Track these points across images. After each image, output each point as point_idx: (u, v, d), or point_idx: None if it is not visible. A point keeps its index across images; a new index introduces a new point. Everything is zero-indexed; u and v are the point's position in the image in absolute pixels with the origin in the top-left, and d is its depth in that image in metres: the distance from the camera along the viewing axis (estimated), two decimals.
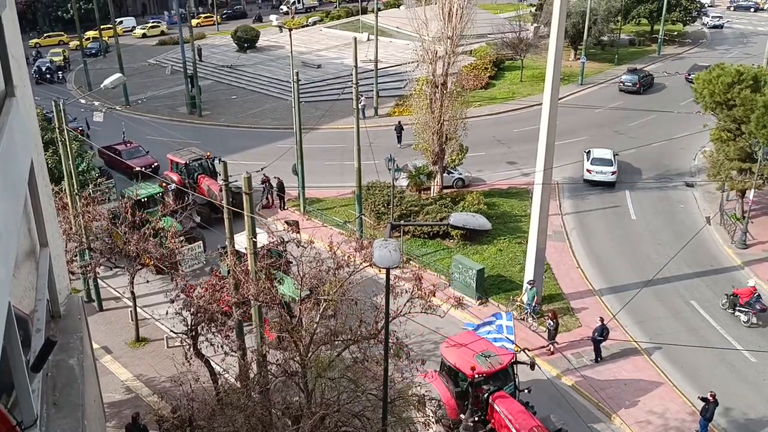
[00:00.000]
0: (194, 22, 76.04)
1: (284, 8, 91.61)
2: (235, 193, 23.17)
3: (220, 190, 25.53)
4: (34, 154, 7.06)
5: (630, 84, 52.42)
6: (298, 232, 18.50)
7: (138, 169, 31.77)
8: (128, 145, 39.50)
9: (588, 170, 36.51)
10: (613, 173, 36.16)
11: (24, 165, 6.32)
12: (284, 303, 16.76)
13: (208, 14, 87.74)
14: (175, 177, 34.17)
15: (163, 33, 79.83)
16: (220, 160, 27.82)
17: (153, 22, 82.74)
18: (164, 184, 32.57)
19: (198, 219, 31.37)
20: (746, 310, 25.00)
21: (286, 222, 23.45)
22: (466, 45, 34.46)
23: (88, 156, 33.02)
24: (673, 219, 33.09)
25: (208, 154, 35.18)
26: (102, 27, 64.09)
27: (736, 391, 21.95)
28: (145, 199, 29.98)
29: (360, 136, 28.98)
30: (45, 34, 77.67)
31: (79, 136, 35.98)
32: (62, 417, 6.20)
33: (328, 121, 44.88)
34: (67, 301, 8.10)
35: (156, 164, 37.92)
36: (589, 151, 37.72)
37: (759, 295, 25.11)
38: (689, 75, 51.01)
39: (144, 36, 79.32)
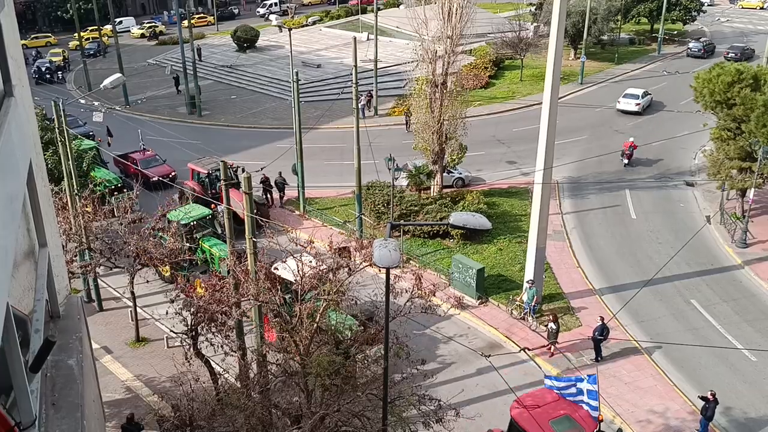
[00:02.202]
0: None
1: (261, 11, 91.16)
2: (259, 204, 22.74)
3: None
4: (32, 154, 7.05)
5: (696, 50, 62.11)
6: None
7: (155, 178, 30.96)
8: (144, 153, 38.12)
9: (618, 101, 47.68)
10: (637, 104, 46.92)
11: (23, 165, 6.31)
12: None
13: (202, 15, 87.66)
14: (196, 187, 32.91)
15: (161, 33, 79.84)
16: (244, 170, 27.15)
17: (149, 23, 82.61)
18: (213, 206, 30.17)
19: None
20: (625, 155, 37.97)
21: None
22: (465, 44, 34.41)
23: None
24: (674, 218, 33.06)
25: (231, 163, 34.14)
26: (97, 27, 63.81)
27: (736, 390, 21.96)
28: (194, 222, 28.19)
29: (360, 135, 28.98)
30: (32, 35, 76.48)
31: (98, 144, 35.70)
32: (61, 417, 6.20)
33: (328, 121, 44.87)
34: (66, 301, 8.10)
35: (174, 173, 36.72)
36: (626, 90, 48.74)
37: (633, 146, 38.02)
38: (728, 54, 56.55)
39: (142, 36, 79.31)
